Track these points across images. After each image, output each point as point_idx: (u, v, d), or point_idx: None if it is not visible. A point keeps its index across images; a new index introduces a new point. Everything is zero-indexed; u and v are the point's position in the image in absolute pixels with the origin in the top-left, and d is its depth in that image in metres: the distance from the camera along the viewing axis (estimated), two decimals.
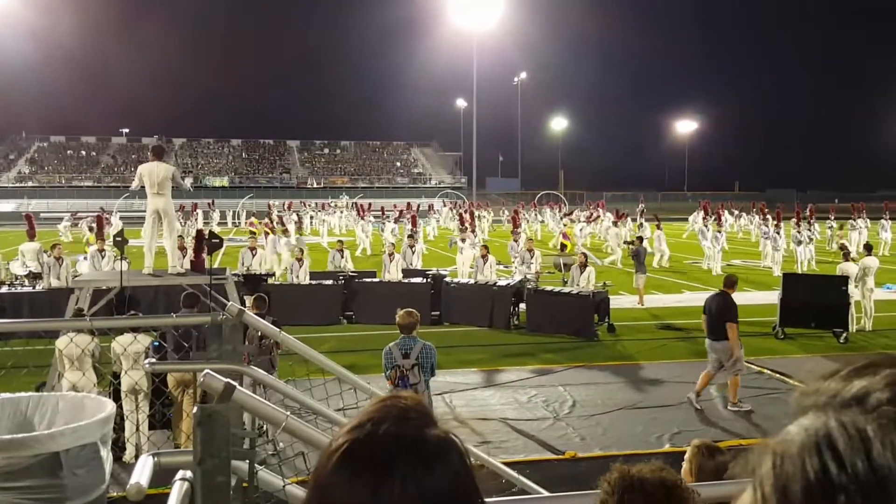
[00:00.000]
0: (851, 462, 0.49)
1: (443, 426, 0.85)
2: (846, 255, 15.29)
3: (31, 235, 18.14)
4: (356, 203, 38.41)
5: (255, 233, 28.49)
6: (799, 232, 23.60)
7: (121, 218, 34.95)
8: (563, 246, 22.76)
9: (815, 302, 13.47)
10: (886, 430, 0.49)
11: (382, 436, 0.80)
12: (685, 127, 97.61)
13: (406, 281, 16.09)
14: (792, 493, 0.51)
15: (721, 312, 9.52)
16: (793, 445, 0.52)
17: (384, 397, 0.87)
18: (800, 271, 22.08)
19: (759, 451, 0.56)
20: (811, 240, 24.13)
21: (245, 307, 4.16)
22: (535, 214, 40.21)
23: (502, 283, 15.59)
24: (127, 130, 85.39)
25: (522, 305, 15.06)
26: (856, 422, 0.50)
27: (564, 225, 34.87)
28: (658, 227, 25.80)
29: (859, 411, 0.51)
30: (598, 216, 40.68)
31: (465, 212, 35.73)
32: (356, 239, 32.08)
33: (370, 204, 42.09)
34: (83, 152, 79.71)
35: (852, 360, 0.58)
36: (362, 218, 32.64)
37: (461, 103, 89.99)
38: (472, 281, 16.34)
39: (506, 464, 6.07)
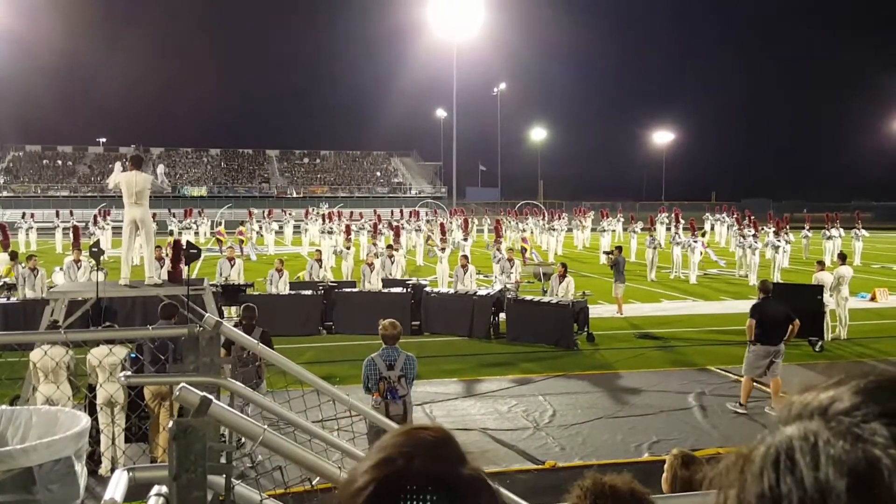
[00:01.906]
0: (802, 472, 0.49)
1: (472, 463, 0.80)
2: (821, 265, 15.49)
3: (6, 246, 17.90)
4: (329, 212, 38.36)
5: (221, 241, 28.29)
6: (778, 239, 23.89)
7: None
8: (524, 249, 23.00)
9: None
10: (836, 440, 0.49)
11: (414, 474, 0.74)
12: (662, 137, 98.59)
13: (386, 291, 16.06)
14: (747, 500, 0.51)
15: (786, 315, 9.96)
16: (757, 454, 0.53)
17: (408, 429, 0.81)
18: (774, 278, 22.35)
19: (728, 461, 0.56)
20: (784, 249, 24.39)
21: (224, 318, 4.13)
22: (517, 223, 40.29)
23: (482, 292, 15.62)
24: (104, 140, 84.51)
25: (502, 315, 15.09)
26: (816, 432, 0.51)
27: (522, 231, 35.11)
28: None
29: (820, 421, 0.52)
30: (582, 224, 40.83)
31: (446, 221, 35.82)
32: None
33: (351, 213, 42.03)
34: (59, 162, 78.76)
35: (837, 372, 0.59)
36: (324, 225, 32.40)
37: (441, 113, 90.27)
38: (452, 291, 16.35)
39: (486, 474, 6.06)
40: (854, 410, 0.51)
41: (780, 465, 0.50)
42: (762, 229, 28.50)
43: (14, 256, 17.17)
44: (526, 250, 24.39)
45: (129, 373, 5.52)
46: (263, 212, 43.40)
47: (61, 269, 17.32)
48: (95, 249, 9.73)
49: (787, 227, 26.35)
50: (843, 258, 15.95)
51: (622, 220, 41.71)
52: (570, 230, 41.41)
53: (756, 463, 0.52)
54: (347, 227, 27.91)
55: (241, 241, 28.79)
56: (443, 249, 21.11)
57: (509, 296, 15.18)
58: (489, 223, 44.58)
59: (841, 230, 30.57)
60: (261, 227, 38.83)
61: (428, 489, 0.73)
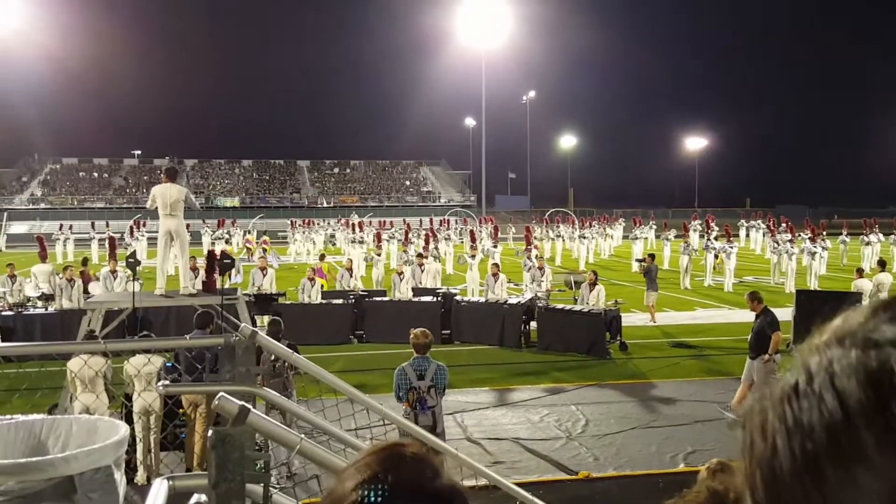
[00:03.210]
0: (820, 388, 0.49)
1: (447, 475, 0.84)
2: (860, 272, 15.20)
3: (43, 257, 18.26)
4: (359, 221, 38.85)
5: (251, 249, 28.69)
6: (815, 245, 23.47)
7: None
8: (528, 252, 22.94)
9: (829, 319, 13.32)
10: (849, 351, 0.49)
11: (399, 489, 0.78)
12: (695, 143, 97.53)
13: (416, 300, 16.07)
14: (771, 435, 0.51)
15: None
16: (777, 389, 0.53)
17: (387, 445, 0.85)
18: (812, 285, 21.96)
19: (751, 404, 0.55)
20: (822, 256, 23.89)
21: (256, 327, 4.15)
22: (547, 231, 40.04)
23: (513, 301, 15.55)
24: (139, 152, 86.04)
25: (533, 324, 15.01)
26: (832, 354, 0.51)
27: (536, 237, 34.93)
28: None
29: (837, 346, 0.51)
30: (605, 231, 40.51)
31: (476, 229, 35.79)
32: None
33: (382, 222, 42.28)
34: (95, 174, 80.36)
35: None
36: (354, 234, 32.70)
37: (470, 122, 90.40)
38: (482, 299, 16.31)
39: (518, 484, 6.01)
40: (867, 322, 0.51)
41: (798, 388, 0.51)
42: (798, 235, 28.00)
43: (85, 262, 17.56)
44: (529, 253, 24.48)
45: (167, 382, 5.58)
46: (295, 221, 44.27)
47: (97, 279, 17.61)
48: (132, 260, 9.90)
49: (824, 233, 25.84)
50: (882, 265, 15.64)
51: (654, 227, 41.26)
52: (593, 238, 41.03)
53: (777, 393, 0.53)
54: (378, 234, 28.06)
55: (265, 250, 29.06)
56: (473, 256, 21.08)
57: (540, 304, 15.10)
58: (514, 231, 44.43)
59: (880, 235, 29.96)
60: (302, 236, 39.76)
61: (412, 502, 0.78)
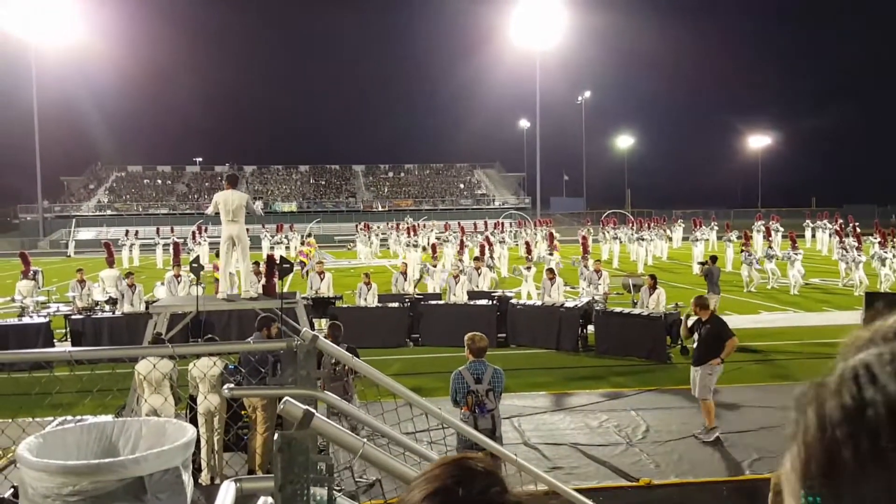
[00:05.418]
0: (884, 381, 0.50)
1: (513, 490, 0.84)
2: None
3: (111, 263, 18.87)
4: (413, 225, 39.17)
5: (310, 253, 29.21)
6: (885, 250, 22.55)
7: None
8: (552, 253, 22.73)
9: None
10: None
11: (469, 502, 0.79)
12: (757, 142, 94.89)
13: (472, 303, 16.04)
14: (830, 416, 0.52)
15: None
16: (832, 378, 0.54)
17: (458, 457, 0.86)
18: (882, 290, 21.12)
19: (801, 388, 0.57)
20: (892, 262, 22.84)
21: (315, 330, 4.20)
22: (604, 234, 39.40)
23: (570, 304, 15.39)
24: (200, 159, 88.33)
25: (591, 327, 14.83)
26: (892, 351, 0.52)
27: (595, 239, 34.58)
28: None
29: (894, 342, 0.53)
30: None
31: (531, 235, 35.56)
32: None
33: (446, 224, 42.53)
34: (159, 181, 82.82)
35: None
36: (410, 238, 32.92)
37: (524, 123, 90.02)
38: (539, 303, 16.19)
39: (578, 491, 5.94)
40: None
41: (860, 379, 0.52)
42: (866, 240, 26.85)
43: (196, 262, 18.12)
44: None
45: (232, 385, 5.70)
46: (357, 225, 45.10)
47: (162, 283, 18.12)
48: (196, 265, 10.13)
49: (895, 238, 24.72)
50: None
51: (716, 228, 40.26)
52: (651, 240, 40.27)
53: (832, 383, 0.54)
54: (433, 245, 28.09)
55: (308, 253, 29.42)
56: (528, 268, 20.75)
57: (598, 307, 14.90)
58: (542, 233, 44.02)
59: None
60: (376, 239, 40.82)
61: None
